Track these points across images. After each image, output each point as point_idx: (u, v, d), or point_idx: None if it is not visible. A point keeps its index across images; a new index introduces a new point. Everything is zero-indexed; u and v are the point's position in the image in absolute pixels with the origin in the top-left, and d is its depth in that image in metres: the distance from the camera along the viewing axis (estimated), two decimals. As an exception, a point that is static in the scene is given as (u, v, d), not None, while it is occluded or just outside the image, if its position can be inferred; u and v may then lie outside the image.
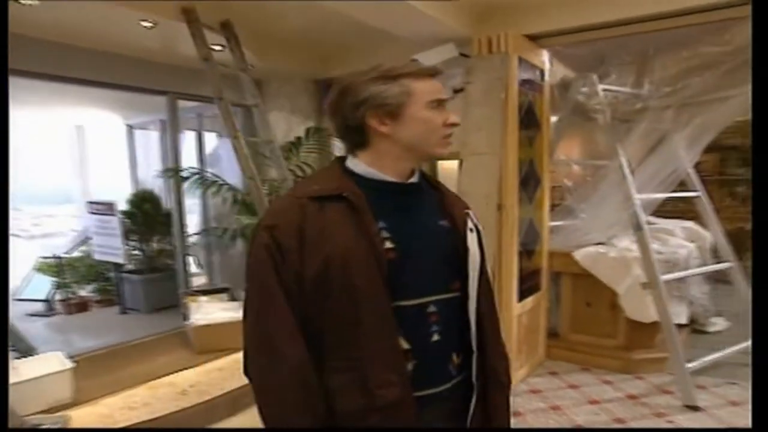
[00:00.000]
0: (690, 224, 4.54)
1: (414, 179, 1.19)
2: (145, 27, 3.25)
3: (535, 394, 3.49)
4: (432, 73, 1.15)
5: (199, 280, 4.93)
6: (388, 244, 1.09)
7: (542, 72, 4.01)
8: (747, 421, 3.03)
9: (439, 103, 1.13)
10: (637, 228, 3.56)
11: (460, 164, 3.70)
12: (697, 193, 4.06)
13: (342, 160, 1.21)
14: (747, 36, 3.87)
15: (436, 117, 1.12)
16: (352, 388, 1.06)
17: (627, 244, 4.02)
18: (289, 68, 4.69)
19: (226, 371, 3.32)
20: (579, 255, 3.97)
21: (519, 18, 3.60)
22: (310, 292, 1.06)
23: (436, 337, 1.13)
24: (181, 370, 3.36)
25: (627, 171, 3.72)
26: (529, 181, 3.90)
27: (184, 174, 4.13)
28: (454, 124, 1.15)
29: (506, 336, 2.17)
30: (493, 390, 1.19)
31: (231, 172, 4.41)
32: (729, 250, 4.04)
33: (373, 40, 4.29)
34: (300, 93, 4.98)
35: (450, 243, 1.17)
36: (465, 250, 1.17)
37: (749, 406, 3.23)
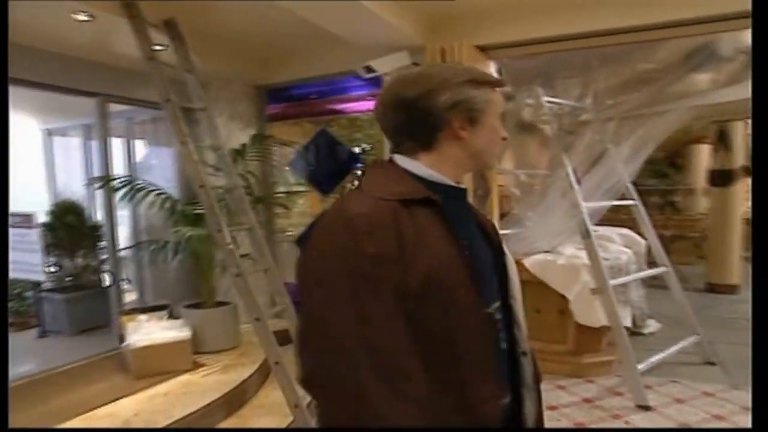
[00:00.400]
0: (626, 231, 4.78)
1: (463, 185, 1.14)
2: (78, 21, 2.96)
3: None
4: (504, 85, 1.14)
5: (126, 297, 4.55)
6: (466, 251, 1.03)
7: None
8: (696, 417, 3.19)
9: (502, 116, 1.13)
10: (586, 235, 3.68)
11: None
12: (635, 201, 4.27)
13: (388, 162, 1.12)
14: (677, 55, 4.16)
15: (501, 128, 1.12)
16: (456, 410, 0.98)
17: (573, 251, 4.15)
18: (230, 72, 4.48)
19: (173, 396, 3.05)
20: (528, 262, 4.05)
21: (469, 29, 3.63)
22: (412, 305, 0.95)
23: (503, 345, 1.10)
24: (119, 398, 3.06)
25: (574, 180, 3.85)
26: (479, 190, 3.93)
27: (118, 183, 3.79)
28: (505, 139, 1.14)
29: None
30: (538, 390, 1.17)
31: (163, 183, 4.12)
32: (664, 255, 4.28)
33: (319, 45, 4.19)
34: (239, 98, 4.77)
35: (491, 250, 1.14)
36: (502, 254, 1.15)
37: (695, 402, 3.40)
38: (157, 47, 3.05)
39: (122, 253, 4.24)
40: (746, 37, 4.00)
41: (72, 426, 2.68)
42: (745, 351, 4.47)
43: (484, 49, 3.77)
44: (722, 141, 6.59)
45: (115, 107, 4.10)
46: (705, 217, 8.25)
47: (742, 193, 6.83)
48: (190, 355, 3.53)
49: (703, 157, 8.99)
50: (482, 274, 1.06)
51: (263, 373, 3.64)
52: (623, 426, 3.12)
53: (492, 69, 4.01)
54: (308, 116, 5.03)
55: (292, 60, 4.57)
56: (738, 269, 6.60)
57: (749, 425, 3.07)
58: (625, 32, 3.39)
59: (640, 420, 3.16)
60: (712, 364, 4.07)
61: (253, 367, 3.55)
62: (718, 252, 6.64)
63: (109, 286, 4.13)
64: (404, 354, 0.92)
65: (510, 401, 1.10)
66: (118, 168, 4.32)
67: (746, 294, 6.47)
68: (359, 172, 4.27)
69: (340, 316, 0.92)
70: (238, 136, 4.53)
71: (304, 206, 5.30)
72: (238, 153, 4.04)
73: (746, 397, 3.45)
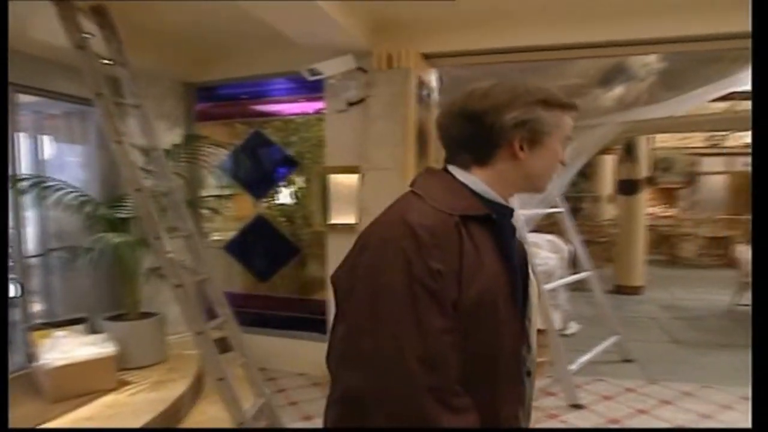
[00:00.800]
0: (552, 237, 5.02)
1: (512, 205, 1.13)
2: (-10, 1, 2.61)
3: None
4: (576, 108, 1.09)
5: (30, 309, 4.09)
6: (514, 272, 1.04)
7: (430, 91, 4.12)
8: (623, 413, 3.40)
9: (567, 140, 1.09)
10: (524, 242, 3.81)
11: (362, 178, 3.62)
12: (562, 209, 4.50)
13: (443, 171, 1.10)
14: (599, 70, 4.44)
15: (561, 153, 1.08)
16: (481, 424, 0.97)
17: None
18: (157, 67, 4.18)
19: (99, 421, 2.78)
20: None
21: (415, 36, 3.65)
22: (463, 324, 0.95)
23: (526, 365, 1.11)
24: (37, 426, 2.73)
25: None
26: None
27: (27, 183, 3.41)
28: (564, 163, 1.11)
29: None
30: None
31: (76, 184, 3.77)
32: (588, 260, 4.54)
33: (256, 44, 4.03)
34: (167, 96, 4.49)
35: (522, 271, 1.13)
36: (527, 276, 1.14)
37: (620, 399, 3.63)
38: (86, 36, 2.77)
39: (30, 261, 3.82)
40: (652, 58, 4.38)
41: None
42: (654, 347, 4.86)
43: (427, 57, 3.81)
44: (629, 153, 7.14)
45: (23, 98, 3.69)
46: (611, 224, 8.89)
47: (645, 201, 7.44)
48: (114, 372, 3.23)
49: (609, 166, 9.70)
50: (520, 295, 1.09)
51: (196, 389, 3.42)
52: (560, 426, 3.25)
53: (433, 76, 4.08)
54: (238, 117, 4.83)
55: (227, 58, 4.36)
56: (642, 272, 7.18)
57: (670, 417, 3.34)
58: (560, 49, 3.57)
59: (574, 418, 3.32)
60: (629, 361, 4.38)
61: (185, 383, 3.32)
62: (625, 256, 7.19)
63: (15, 297, 3.70)
64: (456, 369, 0.93)
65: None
66: (25, 166, 3.89)
67: (649, 295, 7.05)
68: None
69: (399, 328, 0.90)
70: (164, 136, 4.24)
71: (232, 211, 5.07)
72: (168, 153, 3.77)
73: (663, 391, 3.74)
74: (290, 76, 4.38)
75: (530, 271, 1.17)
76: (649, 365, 4.29)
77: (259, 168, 4.66)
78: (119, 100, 2.85)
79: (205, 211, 4.50)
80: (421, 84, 3.82)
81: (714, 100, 4.71)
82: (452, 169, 1.08)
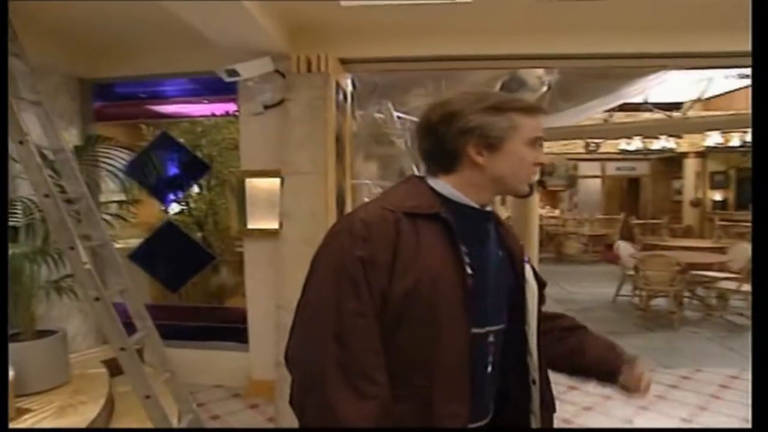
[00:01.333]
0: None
1: (489, 207, 1.16)
2: None
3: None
4: (539, 111, 1.13)
5: None
6: (469, 270, 1.04)
7: (346, 96, 4.16)
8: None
9: (536, 141, 1.10)
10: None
11: (282, 182, 3.56)
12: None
13: (420, 178, 1.16)
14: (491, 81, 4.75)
15: (531, 155, 1.10)
16: (412, 417, 1.01)
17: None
18: (45, 60, 3.80)
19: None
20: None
21: (333, 41, 3.65)
22: (393, 312, 1.00)
23: (489, 369, 1.11)
24: None
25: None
26: (338, 201, 3.98)
27: None
28: (541, 164, 1.13)
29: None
30: (549, 419, 1.19)
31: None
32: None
33: (158, 40, 3.81)
34: (59, 93, 4.10)
35: (508, 274, 1.16)
36: (523, 281, 1.16)
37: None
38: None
39: None
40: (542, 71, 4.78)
41: None
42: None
43: (345, 62, 3.84)
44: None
45: None
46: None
47: (537, 202, 8.04)
48: (11, 400, 2.89)
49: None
50: (484, 295, 1.08)
51: (109, 410, 3.17)
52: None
53: (348, 81, 4.12)
54: (141, 117, 4.54)
55: (125, 53, 4.07)
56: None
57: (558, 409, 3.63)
58: (464, 59, 3.76)
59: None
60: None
61: (96, 405, 3.05)
62: (521, 254, 7.70)
63: None
64: (370, 354, 0.98)
65: (488, 422, 1.13)
66: None
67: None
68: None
69: (321, 306, 1.00)
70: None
71: (137, 217, 4.74)
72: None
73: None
74: (194, 77, 4.22)
75: (528, 275, 1.17)
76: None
77: (166, 172, 4.41)
78: (19, 96, 2.58)
79: (107, 218, 4.17)
80: (338, 88, 3.85)
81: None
82: (427, 176, 1.15)
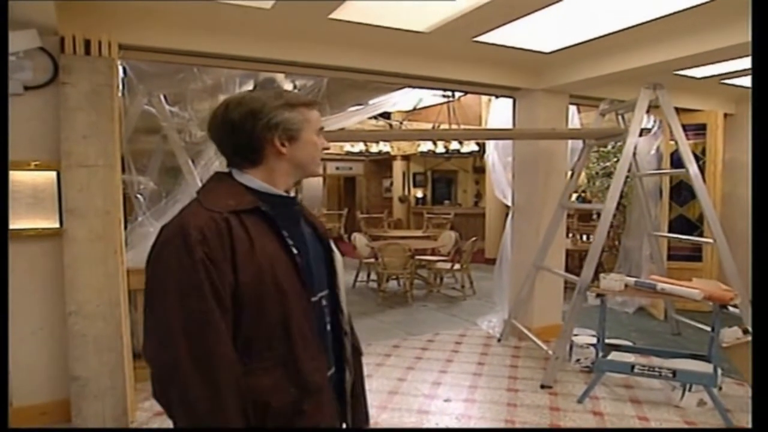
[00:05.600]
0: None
1: (292, 193, 1.35)
2: None
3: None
4: (319, 105, 1.33)
5: None
6: (295, 251, 1.23)
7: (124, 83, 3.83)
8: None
9: (321, 130, 1.32)
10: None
11: (58, 176, 3.10)
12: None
13: (226, 174, 1.27)
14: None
15: (319, 141, 1.31)
16: (285, 381, 1.18)
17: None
18: None
19: None
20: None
21: (110, 23, 3.30)
22: (243, 299, 1.13)
23: (329, 327, 1.34)
24: None
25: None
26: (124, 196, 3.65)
27: None
28: (327, 148, 1.35)
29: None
30: (359, 362, 1.48)
31: None
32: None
33: None
34: None
35: (321, 247, 1.37)
36: (332, 252, 1.39)
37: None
38: None
39: None
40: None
41: None
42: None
43: (123, 48, 3.53)
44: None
45: None
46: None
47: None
48: None
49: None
50: (310, 268, 1.28)
51: None
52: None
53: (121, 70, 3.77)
54: None
55: None
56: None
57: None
58: (224, 58, 3.81)
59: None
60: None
61: None
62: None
63: None
64: (221, 345, 1.11)
65: (334, 372, 1.35)
66: None
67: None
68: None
69: (167, 309, 1.10)
70: None
71: None
72: None
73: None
74: None
75: (333, 245, 1.40)
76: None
77: None
78: None
79: None
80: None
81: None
82: (234, 171, 1.27)
